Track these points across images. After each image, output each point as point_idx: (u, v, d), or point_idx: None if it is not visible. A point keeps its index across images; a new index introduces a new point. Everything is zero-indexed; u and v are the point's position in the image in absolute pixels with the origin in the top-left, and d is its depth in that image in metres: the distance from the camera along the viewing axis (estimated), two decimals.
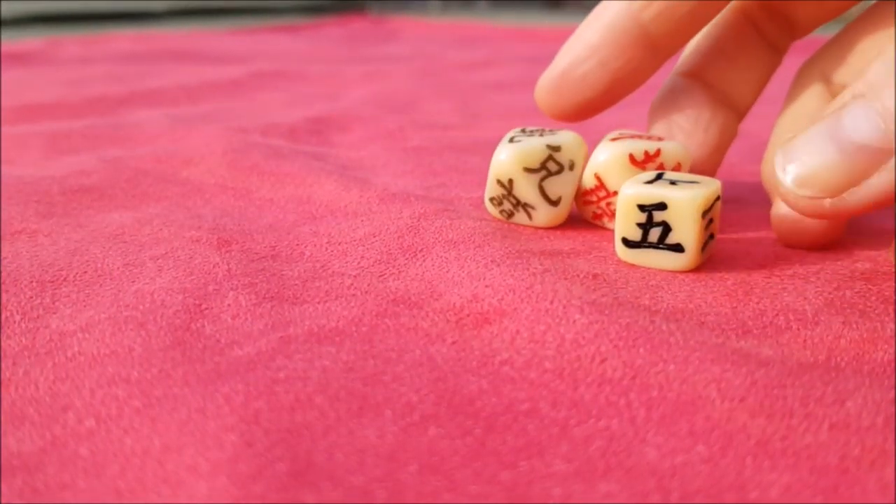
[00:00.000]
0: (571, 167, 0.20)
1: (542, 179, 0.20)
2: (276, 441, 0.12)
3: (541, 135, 0.20)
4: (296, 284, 0.18)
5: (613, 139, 0.20)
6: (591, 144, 0.22)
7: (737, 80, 0.22)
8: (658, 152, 0.19)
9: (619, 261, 0.19)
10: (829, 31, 0.22)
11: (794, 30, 0.22)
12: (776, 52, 0.22)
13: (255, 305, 0.17)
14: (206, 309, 0.17)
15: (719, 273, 0.18)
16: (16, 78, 0.51)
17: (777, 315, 0.16)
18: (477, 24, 1.03)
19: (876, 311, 0.16)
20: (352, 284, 0.17)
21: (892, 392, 0.13)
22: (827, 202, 0.15)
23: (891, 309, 0.16)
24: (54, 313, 0.17)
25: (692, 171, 0.21)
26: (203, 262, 0.19)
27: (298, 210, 0.23)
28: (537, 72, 0.23)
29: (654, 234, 0.18)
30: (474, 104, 0.43)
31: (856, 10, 0.21)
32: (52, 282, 0.18)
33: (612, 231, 0.20)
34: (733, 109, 0.22)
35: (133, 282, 0.18)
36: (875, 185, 0.15)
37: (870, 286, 0.17)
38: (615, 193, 0.20)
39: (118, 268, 0.19)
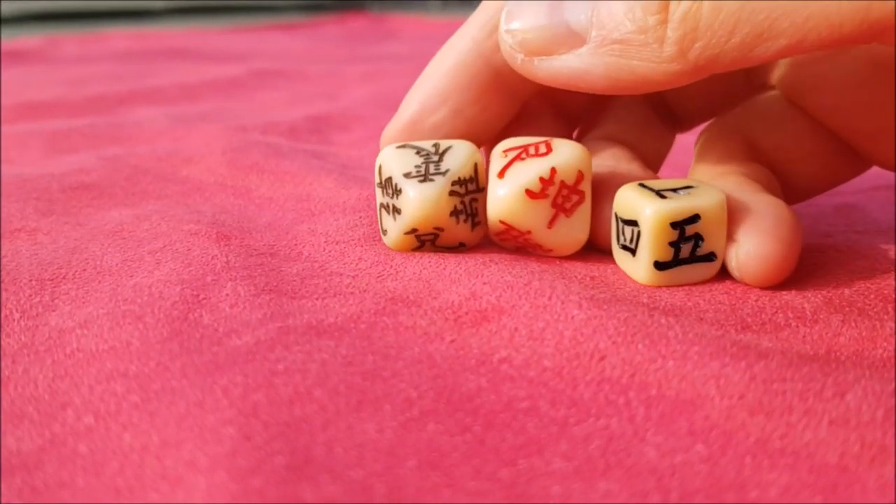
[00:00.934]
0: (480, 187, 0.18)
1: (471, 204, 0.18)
2: (274, 434, 0.12)
3: (436, 164, 0.18)
4: (294, 281, 0.18)
5: (505, 153, 0.18)
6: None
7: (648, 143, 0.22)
8: (553, 173, 0.17)
9: (617, 263, 0.18)
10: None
11: (679, 124, 0.22)
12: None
13: (253, 296, 0.17)
14: (204, 299, 0.17)
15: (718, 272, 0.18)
16: (15, 76, 0.51)
17: (776, 312, 0.16)
18: None
19: (875, 310, 0.16)
20: (350, 283, 0.17)
21: (892, 384, 0.13)
22: (518, 57, 0.17)
23: (890, 307, 0.16)
24: (53, 311, 0.17)
25: None
26: (201, 253, 0.19)
27: (298, 208, 0.23)
28: None
29: (686, 249, 0.17)
30: None
31: None
32: (52, 280, 0.18)
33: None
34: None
35: (131, 276, 0.18)
36: (560, 61, 0.16)
37: (869, 284, 0.17)
38: (529, 231, 0.18)
39: (117, 264, 0.19)
